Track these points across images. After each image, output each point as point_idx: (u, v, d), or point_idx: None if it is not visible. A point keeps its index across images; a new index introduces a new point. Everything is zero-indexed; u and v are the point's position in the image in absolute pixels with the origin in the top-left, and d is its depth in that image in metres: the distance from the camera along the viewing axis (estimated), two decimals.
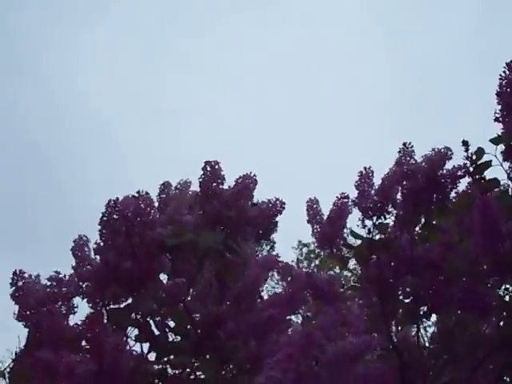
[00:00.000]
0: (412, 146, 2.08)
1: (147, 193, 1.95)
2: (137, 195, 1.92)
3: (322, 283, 2.15)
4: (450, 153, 2.00)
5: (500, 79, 1.87)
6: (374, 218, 2.13)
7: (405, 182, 2.07)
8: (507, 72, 1.88)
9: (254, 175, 2.06)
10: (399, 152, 2.07)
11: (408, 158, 2.06)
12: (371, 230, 2.16)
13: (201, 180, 2.03)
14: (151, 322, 2.03)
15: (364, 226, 2.16)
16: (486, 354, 2.02)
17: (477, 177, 1.95)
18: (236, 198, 2.02)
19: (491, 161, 1.94)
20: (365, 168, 2.16)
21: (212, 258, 2.03)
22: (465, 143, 1.96)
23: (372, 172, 2.15)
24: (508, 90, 1.88)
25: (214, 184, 2.02)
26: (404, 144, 2.07)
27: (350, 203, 2.18)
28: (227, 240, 1.99)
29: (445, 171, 2.02)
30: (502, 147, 1.93)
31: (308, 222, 2.20)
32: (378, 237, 2.13)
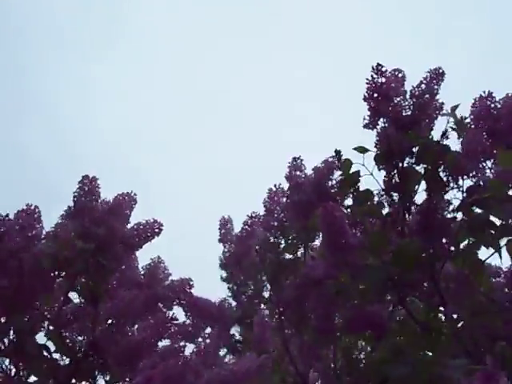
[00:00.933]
0: (302, 160, 2.02)
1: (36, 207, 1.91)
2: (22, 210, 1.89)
3: (212, 308, 2.11)
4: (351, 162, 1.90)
5: (367, 83, 1.76)
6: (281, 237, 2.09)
7: (290, 196, 1.99)
8: (374, 75, 1.76)
9: (134, 194, 2.01)
10: (289, 166, 2.02)
11: (297, 172, 2.00)
12: (279, 250, 2.11)
13: (75, 195, 1.98)
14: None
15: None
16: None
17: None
18: (107, 215, 1.96)
19: (359, 172, 1.83)
20: (275, 186, 2.14)
21: (86, 276, 1.97)
22: (337, 153, 1.85)
23: (282, 189, 2.11)
24: (375, 94, 1.76)
25: (88, 200, 1.97)
26: (294, 158, 2.02)
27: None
28: (96, 258, 1.93)
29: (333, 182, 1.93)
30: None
31: (219, 241, 2.20)
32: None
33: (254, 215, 2.13)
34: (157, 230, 2.00)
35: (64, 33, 4.90)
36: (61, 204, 2.02)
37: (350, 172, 1.82)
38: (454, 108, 1.83)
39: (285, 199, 2.04)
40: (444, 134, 1.75)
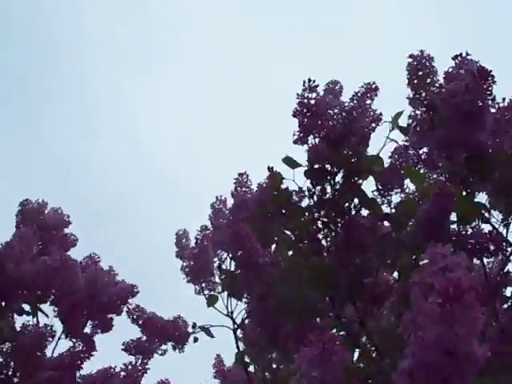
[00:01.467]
0: (247, 176, 2.02)
1: None
2: None
3: (167, 325, 2.12)
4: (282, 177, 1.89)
5: (297, 98, 1.75)
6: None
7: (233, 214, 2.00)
8: (305, 91, 1.76)
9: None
10: (234, 183, 2.02)
11: (242, 189, 2.01)
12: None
13: None
14: None
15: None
16: None
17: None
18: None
19: (287, 188, 1.81)
20: (217, 197, 2.13)
21: None
22: (269, 169, 1.86)
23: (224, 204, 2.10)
24: (305, 110, 1.75)
25: None
26: (239, 174, 2.02)
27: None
28: None
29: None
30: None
31: (176, 256, 2.20)
32: None
33: (204, 229, 2.12)
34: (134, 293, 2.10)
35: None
36: None
37: (282, 187, 1.81)
38: (398, 116, 1.82)
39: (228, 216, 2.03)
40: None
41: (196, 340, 2.15)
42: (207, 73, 4.93)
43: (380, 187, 1.79)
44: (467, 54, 1.58)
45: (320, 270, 1.71)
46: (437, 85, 1.56)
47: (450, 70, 1.56)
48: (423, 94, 1.55)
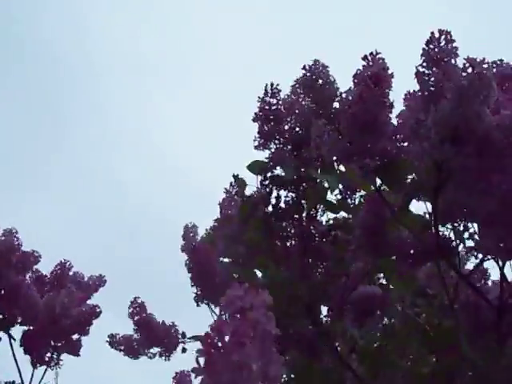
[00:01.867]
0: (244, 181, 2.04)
1: None
2: None
3: (159, 329, 2.19)
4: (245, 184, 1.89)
5: (259, 101, 1.74)
6: None
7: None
8: (266, 96, 1.74)
9: None
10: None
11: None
12: None
13: None
14: None
15: None
16: None
17: None
18: None
19: (252, 195, 1.82)
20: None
21: None
22: (235, 177, 1.90)
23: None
24: (265, 115, 1.74)
25: None
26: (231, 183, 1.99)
27: None
28: None
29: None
30: None
31: (181, 250, 2.19)
32: None
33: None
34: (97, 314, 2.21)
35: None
36: None
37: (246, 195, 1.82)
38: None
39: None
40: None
41: (184, 350, 2.18)
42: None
43: (342, 190, 1.73)
44: (377, 53, 1.46)
45: (278, 281, 1.72)
46: (338, 93, 1.48)
47: (358, 72, 1.45)
48: (323, 105, 1.48)
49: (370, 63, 1.45)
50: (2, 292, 2.08)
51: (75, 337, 2.18)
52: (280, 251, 1.76)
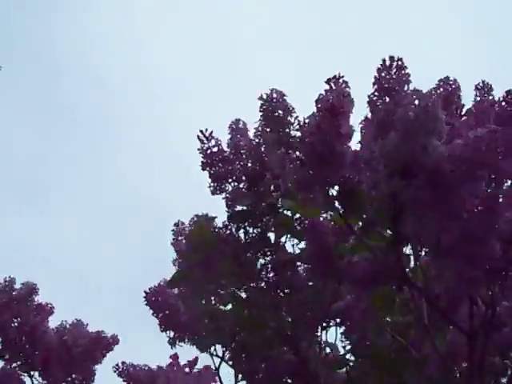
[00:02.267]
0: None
1: None
2: None
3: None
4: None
5: (200, 152, 1.69)
6: None
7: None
8: (204, 143, 1.68)
9: None
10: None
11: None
12: None
13: None
14: None
15: None
16: None
17: None
18: None
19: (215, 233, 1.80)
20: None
21: None
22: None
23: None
24: (210, 161, 1.68)
25: None
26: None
27: None
28: None
29: None
30: None
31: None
32: None
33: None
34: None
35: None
36: None
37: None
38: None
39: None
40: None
41: None
42: None
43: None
44: (339, 77, 1.42)
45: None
46: (297, 121, 1.46)
47: (321, 97, 1.42)
48: (281, 134, 1.46)
49: (333, 87, 1.42)
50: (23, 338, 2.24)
51: (88, 365, 2.27)
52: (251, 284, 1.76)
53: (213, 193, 1.71)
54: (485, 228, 1.30)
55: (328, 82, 1.44)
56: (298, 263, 1.75)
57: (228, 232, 1.74)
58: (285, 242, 1.75)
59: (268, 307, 1.72)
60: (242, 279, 1.75)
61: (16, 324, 2.24)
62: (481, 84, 1.54)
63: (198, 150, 1.68)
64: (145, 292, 1.92)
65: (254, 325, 1.77)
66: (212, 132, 1.67)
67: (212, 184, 1.70)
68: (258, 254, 1.72)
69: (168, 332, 1.93)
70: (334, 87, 1.42)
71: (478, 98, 1.52)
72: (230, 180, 1.69)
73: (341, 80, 1.43)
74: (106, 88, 5.26)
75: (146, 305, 1.93)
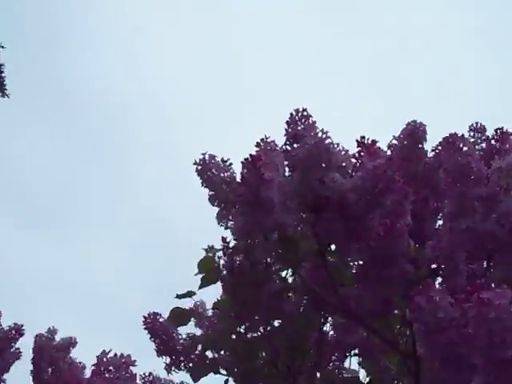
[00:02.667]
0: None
1: None
2: None
3: None
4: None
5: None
6: None
7: None
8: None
9: None
10: None
11: None
12: None
13: None
14: None
15: None
16: None
17: None
18: None
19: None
20: None
21: None
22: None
23: None
24: None
25: None
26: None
27: None
28: None
29: None
30: None
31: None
32: None
33: None
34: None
35: None
36: None
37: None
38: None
39: None
40: None
41: None
42: None
43: None
44: (266, 138, 1.59)
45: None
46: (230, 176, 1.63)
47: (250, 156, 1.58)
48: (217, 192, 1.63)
49: (262, 147, 1.58)
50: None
51: None
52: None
53: (219, 223, 1.79)
54: (392, 251, 1.41)
55: (257, 145, 1.61)
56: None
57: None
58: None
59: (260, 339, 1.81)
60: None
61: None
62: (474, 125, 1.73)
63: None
64: (143, 316, 1.98)
65: (248, 356, 1.84)
66: None
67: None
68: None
69: (164, 357, 1.98)
70: (262, 147, 1.59)
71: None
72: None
73: (267, 140, 1.60)
74: (121, 113, 5.48)
75: (145, 329, 1.98)
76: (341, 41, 5.40)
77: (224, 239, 1.77)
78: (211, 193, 1.67)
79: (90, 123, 5.38)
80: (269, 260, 1.77)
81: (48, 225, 5.13)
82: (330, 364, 1.88)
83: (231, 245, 1.75)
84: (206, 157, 1.66)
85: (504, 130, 1.70)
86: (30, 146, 5.21)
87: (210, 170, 1.64)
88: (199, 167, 1.66)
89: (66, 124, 5.36)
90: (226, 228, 1.73)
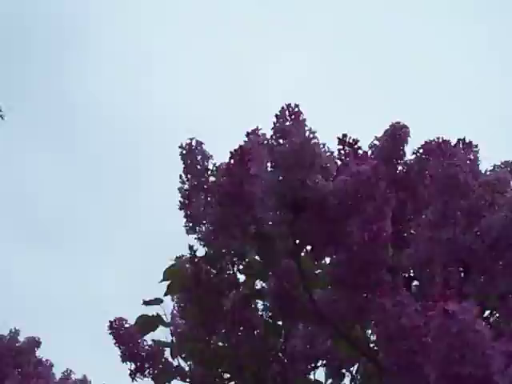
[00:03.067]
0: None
1: None
2: None
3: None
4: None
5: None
6: None
7: None
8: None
9: None
10: None
11: None
12: None
13: None
14: None
15: None
16: None
17: None
18: None
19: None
20: None
21: None
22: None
23: None
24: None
25: None
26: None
27: None
28: None
29: None
30: None
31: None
32: None
33: None
34: None
35: None
36: None
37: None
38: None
39: None
40: None
41: None
42: None
43: None
44: (258, 129, 1.56)
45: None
46: (212, 167, 1.60)
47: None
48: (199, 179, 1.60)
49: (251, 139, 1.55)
50: None
51: None
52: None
53: (187, 232, 1.78)
54: (373, 259, 1.39)
55: (247, 135, 1.58)
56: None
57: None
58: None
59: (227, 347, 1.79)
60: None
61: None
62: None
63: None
64: (109, 321, 1.95)
65: (214, 364, 1.83)
66: None
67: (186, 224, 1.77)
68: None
69: (129, 363, 1.96)
70: (252, 138, 1.57)
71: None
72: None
73: (258, 132, 1.58)
74: (125, 136, 5.44)
75: (110, 334, 1.95)
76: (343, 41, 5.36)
77: (191, 247, 1.78)
78: (193, 180, 1.64)
79: (94, 147, 5.36)
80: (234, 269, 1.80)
81: (56, 251, 5.14)
82: (296, 375, 1.85)
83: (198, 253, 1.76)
84: (193, 142, 1.63)
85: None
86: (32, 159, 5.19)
87: (194, 157, 1.61)
88: (184, 151, 1.63)
89: (69, 148, 5.29)
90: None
